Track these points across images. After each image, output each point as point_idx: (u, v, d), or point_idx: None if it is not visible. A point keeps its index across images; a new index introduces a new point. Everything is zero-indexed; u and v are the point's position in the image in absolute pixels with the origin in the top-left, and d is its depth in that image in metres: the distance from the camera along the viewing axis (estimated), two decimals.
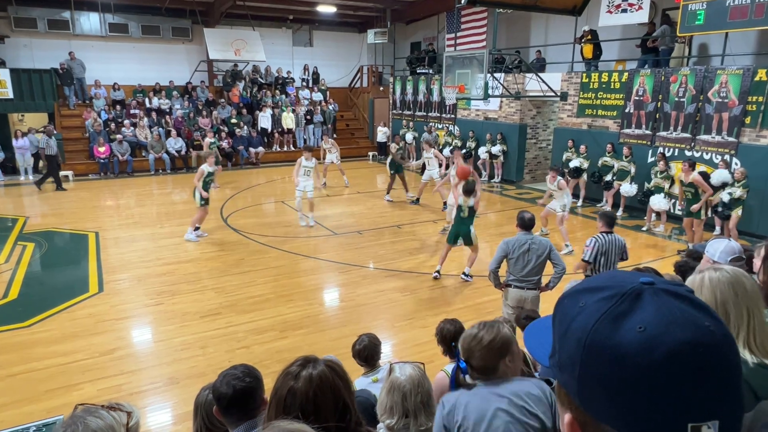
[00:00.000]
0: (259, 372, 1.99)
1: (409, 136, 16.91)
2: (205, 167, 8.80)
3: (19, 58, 16.05)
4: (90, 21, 16.92)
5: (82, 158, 15.14)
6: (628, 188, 10.35)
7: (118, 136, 15.25)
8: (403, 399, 1.83)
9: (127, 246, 8.50)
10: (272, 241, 8.80)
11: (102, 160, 14.78)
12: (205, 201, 8.83)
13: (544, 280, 4.68)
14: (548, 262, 4.55)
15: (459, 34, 15.88)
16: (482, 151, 14.27)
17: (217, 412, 1.84)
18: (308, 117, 18.42)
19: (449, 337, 2.83)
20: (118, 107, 16.66)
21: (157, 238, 9.04)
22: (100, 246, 8.44)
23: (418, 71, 18.06)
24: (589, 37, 12.34)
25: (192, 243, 8.66)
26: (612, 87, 11.45)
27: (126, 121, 15.94)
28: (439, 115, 16.84)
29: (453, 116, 16.14)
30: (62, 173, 14.57)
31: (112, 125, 15.70)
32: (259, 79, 19.16)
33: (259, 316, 5.91)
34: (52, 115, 15.93)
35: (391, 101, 19.40)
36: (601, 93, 11.69)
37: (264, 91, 18.69)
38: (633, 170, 10.36)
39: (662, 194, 9.52)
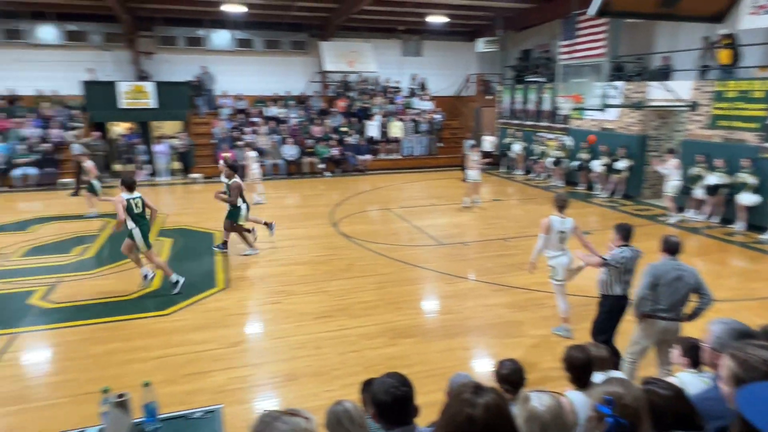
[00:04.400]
0: (411, 381, 2.09)
1: (517, 147, 16.51)
2: None
3: (161, 72, 18.03)
4: (221, 37, 18.57)
5: (209, 162, 16.62)
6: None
7: (240, 143, 16.52)
8: (542, 430, 1.81)
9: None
10: (380, 248, 9.03)
11: None
12: None
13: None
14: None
15: (575, 41, 15.23)
16: (596, 165, 13.53)
17: (374, 416, 1.98)
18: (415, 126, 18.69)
19: (579, 365, 2.72)
20: (241, 116, 18.08)
21: (275, 239, 9.65)
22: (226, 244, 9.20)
23: (528, 80, 17.60)
24: (728, 41, 11.24)
25: (305, 246, 9.14)
26: (753, 96, 10.34)
27: (247, 129, 17.24)
28: (549, 124, 16.27)
29: (565, 126, 15.50)
30: (192, 175, 16.16)
31: (236, 132, 17.06)
32: (368, 88, 19.79)
33: (369, 322, 6.10)
34: (185, 123, 17.67)
35: (498, 110, 19.08)
36: (740, 103, 10.59)
37: (373, 100, 19.27)
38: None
39: None
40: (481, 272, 7.86)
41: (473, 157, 12.19)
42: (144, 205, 6.78)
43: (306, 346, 5.53)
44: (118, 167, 16.77)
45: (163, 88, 16.92)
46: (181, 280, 7.01)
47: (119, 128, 18.59)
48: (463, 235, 9.96)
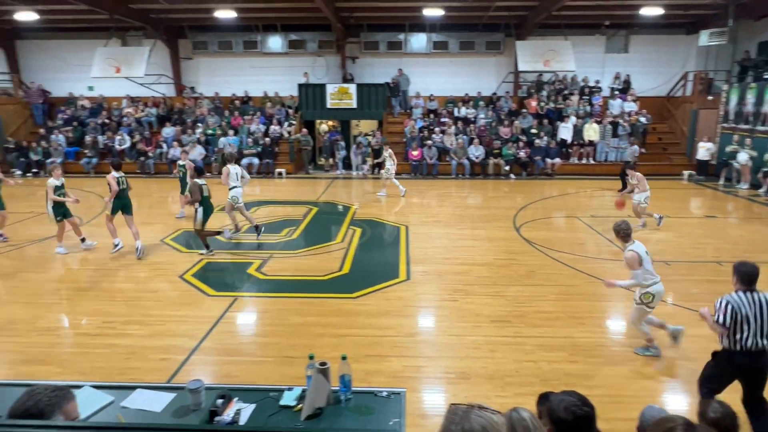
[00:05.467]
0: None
1: (743, 156, 14.07)
2: (53, 181, 8.54)
3: (363, 74, 19.59)
4: (418, 41, 19.41)
5: (398, 159, 17.45)
6: None
7: (429, 142, 17.10)
8: None
9: (429, 242, 9.48)
10: (564, 257, 8.53)
11: (414, 163, 16.84)
12: (62, 215, 8.65)
13: None
14: None
15: None
16: None
17: None
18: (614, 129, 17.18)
19: None
20: (431, 116, 18.68)
21: (454, 238, 9.81)
22: (409, 239, 9.65)
23: (765, 77, 14.83)
24: None
25: (485, 247, 9.10)
26: None
27: (436, 129, 17.75)
28: None
29: None
30: (382, 171, 17.19)
31: (425, 132, 17.70)
32: (564, 88, 18.76)
33: (549, 333, 5.81)
34: (380, 122, 18.92)
35: (722, 112, 16.46)
36: None
37: (567, 100, 18.23)
38: None
39: None
40: (684, 297, 6.90)
41: (632, 181, 10.34)
42: (127, 182, 8.86)
43: (481, 347, 5.51)
44: (321, 161, 18.73)
45: (363, 89, 18.38)
46: (121, 244, 8.64)
47: (324, 126, 20.75)
48: (665, 254, 8.84)
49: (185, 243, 9.40)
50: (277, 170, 17.28)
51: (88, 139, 17.97)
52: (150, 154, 17.57)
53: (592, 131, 17.22)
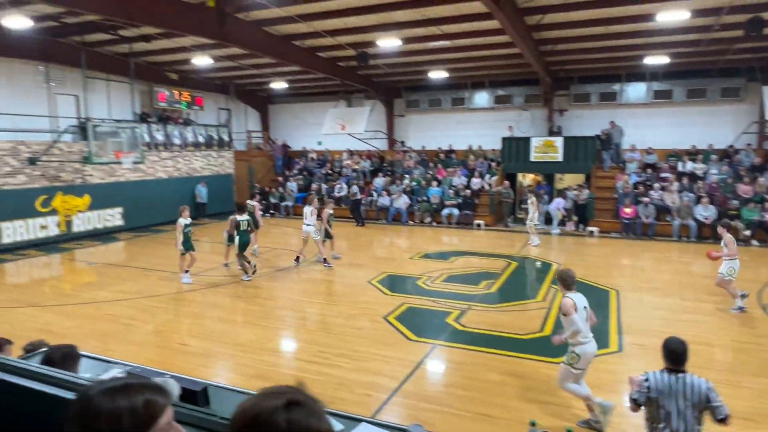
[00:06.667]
0: None
1: None
2: (182, 220, 9.94)
3: (571, 126, 18.89)
4: (636, 90, 18.05)
5: (608, 217, 16.20)
6: None
7: (645, 199, 15.48)
8: None
9: (646, 311, 8.43)
10: None
11: (626, 221, 15.37)
12: (186, 248, 9.99)
13: None
14: None
15: None
16: None
17: None
18: None
19: None
20: (649, 170, 16.97)
21: (676, 309, 8.55)
22: (620, 305, 8.72)
23: None
24: None
25: (717, 325, 7.71)
26: None
27: (655, 185, 16.02)
28: None
29: None
30: (589, 228, 16.06)
31: (641, 188, 16.11)
32: None
33: None
34: (588, 176, 17.85)
35: None
36: None
37: None
38: None
39: None
40: None
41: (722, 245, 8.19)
42: (248, 224, 10.46)
43: None
44: (521, 214, 18.34)
45: (570, 142, 17.67)
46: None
47: (526, 179, 20.41)
48: None
49: (389, 286, 10.00)
50: (476, 221, 17.44)
51: (314, 186, 20.68)
52: (363, 201, 19.39)
53: None
